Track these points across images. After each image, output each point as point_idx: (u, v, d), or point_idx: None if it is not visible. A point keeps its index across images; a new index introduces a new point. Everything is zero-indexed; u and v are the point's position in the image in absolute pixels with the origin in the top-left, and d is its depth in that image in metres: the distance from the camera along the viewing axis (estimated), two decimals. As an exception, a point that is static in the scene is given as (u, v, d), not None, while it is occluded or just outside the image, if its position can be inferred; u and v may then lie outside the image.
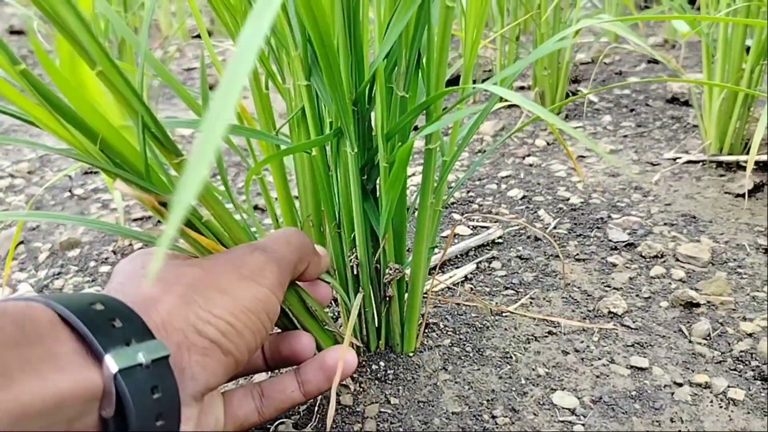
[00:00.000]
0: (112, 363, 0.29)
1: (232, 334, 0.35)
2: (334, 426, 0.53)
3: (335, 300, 0.67)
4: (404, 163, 0.46)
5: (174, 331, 0.33)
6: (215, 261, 0.38)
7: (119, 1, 1.06)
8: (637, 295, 0.71)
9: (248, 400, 0.43)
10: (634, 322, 0.66)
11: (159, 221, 0.98)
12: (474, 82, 1.35)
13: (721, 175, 0.98)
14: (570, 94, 1.35)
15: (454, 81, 1.44)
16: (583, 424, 0.52)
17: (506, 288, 0.73)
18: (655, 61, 1.57)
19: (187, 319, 0.33)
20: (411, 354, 0.62)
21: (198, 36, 2.13)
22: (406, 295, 0.59)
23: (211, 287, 0.35)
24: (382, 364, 0.60)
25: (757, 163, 0.98)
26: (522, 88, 1.39)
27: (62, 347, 0.28)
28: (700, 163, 1.01)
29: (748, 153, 1.00)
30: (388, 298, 0.57)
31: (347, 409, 0.55)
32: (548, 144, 1.13)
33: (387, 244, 0.54)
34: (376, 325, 0.60)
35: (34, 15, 1.18)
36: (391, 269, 0.54)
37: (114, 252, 0.88)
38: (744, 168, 0.98)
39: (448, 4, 0.39)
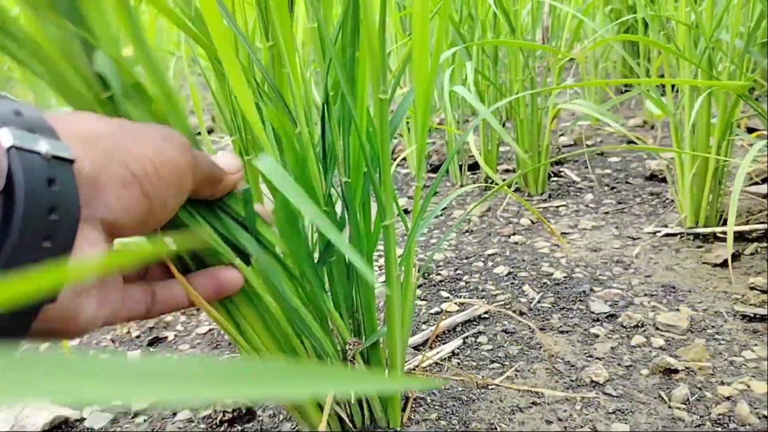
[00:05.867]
0: (6, 137, 0.28)
1: (154, 177, 0.34)
2: (322, 500, 0.54)
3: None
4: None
5: (95, 149, 0.32)
6: (151, 125, 0.38)
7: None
8: (618, 364, 0.73)
9: (145, 298, 0.42)
10: (615, 390, 0.68)
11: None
12: (460, 168, 1.42)
13: (699, 247, 1.01)
14: (552, 175, 1.40)
15: (438, 168, 1.51)
16: (564, 491, 0.53)
17: (492, 361, 0.76)
18: (635, 141, 1.64)
19: (113, 144, 0.33)
20: (399, 429, 0.64)
21: (198, 133, 2.23)
22: (386, 370, 0.62)
23: (143, 133, 0.35)
24: (370, 439, 0.62)
25: (735, 233, 1.02)
26: (507, 170, 1.45)
27: None
28: (678, 236, 1.05)
29: (723, 224, 1.04)
30: None
31: (335, 484, 0.56)
32: (533, 223, 1.17)
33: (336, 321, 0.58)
34: (356, 401, 0.62)
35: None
36: (350, 344, 0.57)
37: (113, 341, 0.91)
38: (720, 239, 1.02)
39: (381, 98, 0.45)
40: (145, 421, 0.72)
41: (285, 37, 0.54)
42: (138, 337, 0.91)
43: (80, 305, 0.33)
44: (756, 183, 1.18)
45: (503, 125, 1.72)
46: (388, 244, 0.58)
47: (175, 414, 0.73)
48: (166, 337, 0.90)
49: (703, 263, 0.96)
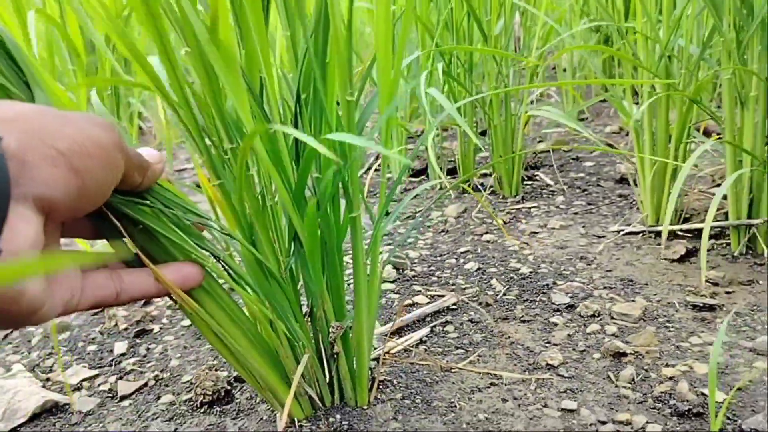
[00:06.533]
0: None
1: (82, 154, 0.35)
2: (290, 467, 0.59)
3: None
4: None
5: (19, 129, 0.33)
6: (73, 111, 0.39)
7: (112, 108, 1.18)
8: (573, 349, 0.78)
9: (109, 284, 0.44)
10: (568, 371, 0.73)
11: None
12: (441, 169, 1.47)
13: (659, 244, 1.07)
14: (526, 179, 1.46)
15: (420, 171, 1.57)
16: (512, 457, 0.59)
17: (457, 348, 0.81)
18: (609, 146, 1.70)
19: (37, 124, 0.34)
20: (365, 407, 0.69)
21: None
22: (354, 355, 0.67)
23: (66, 115, 0.36)
24: (338, 416, 0.67)
25: (691, 231, 1.08)
26: (484, 174, 1.51)
27: None
28: (640, 234, 1.11)
29: (682, 223, 1.10)
30: (336, 355, 0.64)
31: (305, 455, 0.61)
32: (505, 223, 1.23)
33: (326, 304, 0.63)
34: (327, 381, 0.67)
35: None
36: (333, 327, 0.63)
37: (101, 333, 0.95)
38: (679, 236, 1.07)
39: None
40: (130, 404, 0.77)
41: (261, 42, 0.60)
42: (125, 329, 0.96)
43: (23, 282, 0.34)
44: (718, 185, 1.24)
45: (483, 134, 1.78)
46: (356, 235, 0.63)
47: (158, 398, 0.77)
48: (152, 330, 0.95)
49: (662, 259, 1.02)
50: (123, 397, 0.78)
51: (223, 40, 0.53)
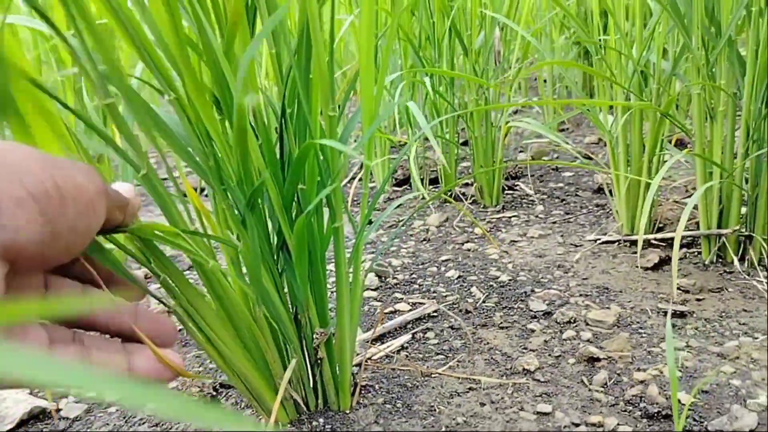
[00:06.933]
0: None
1: (55, 197, 0.32)
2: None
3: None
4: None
5: None
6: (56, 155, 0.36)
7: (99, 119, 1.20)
8: (549, 355, 0.81)
9: (77, 360, 0.39)
10: (544, 376, 0.76)
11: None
12: (422, 181, 1.50)
13: (634, 252, 1.11)
14: (507, 189, 1.50)
15: (403, 181, 1.59)
16: (488, 458, 0.61)
17: (437, 354, 0.83)
18: (589, 157, 1.74)
19: (10, 162, 0.31)
20: (348, 411, 0.71)
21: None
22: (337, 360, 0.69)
23: (46, 156, 0.33)
24: (321, 420, 0.69)
25: (664, 240, 1.12)
26: (466, 184, 1.54)
27: None
28: (616, 243, 1.14)
29: (656, 232, 1.14)
30: (319, 360, 0.67)
31: (288, 458, 0.63)
32: (486, 232, 1.26)
33: (310, 311, 0.65)
34: (311, 385, 0.69)
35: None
36: (317, 333, 0.65)
37: (87, 340, 0.96)
38: (653, 245, 1.11)
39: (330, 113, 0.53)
40: (117, 410, 0.78)
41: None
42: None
43: None
44: (691, 195, 1.28)
45: (465, 143, 1.81)
46: (338, 244, 0.66)
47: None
48: (138, 337, 0.96)
49: (636, 267, 1.05)
50: (110, 404, 0.80)
51: (237, 54, 0.56)
